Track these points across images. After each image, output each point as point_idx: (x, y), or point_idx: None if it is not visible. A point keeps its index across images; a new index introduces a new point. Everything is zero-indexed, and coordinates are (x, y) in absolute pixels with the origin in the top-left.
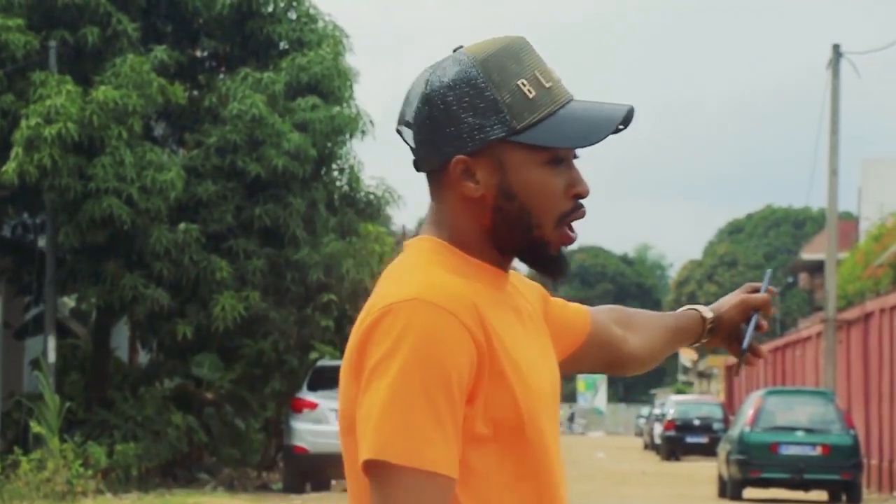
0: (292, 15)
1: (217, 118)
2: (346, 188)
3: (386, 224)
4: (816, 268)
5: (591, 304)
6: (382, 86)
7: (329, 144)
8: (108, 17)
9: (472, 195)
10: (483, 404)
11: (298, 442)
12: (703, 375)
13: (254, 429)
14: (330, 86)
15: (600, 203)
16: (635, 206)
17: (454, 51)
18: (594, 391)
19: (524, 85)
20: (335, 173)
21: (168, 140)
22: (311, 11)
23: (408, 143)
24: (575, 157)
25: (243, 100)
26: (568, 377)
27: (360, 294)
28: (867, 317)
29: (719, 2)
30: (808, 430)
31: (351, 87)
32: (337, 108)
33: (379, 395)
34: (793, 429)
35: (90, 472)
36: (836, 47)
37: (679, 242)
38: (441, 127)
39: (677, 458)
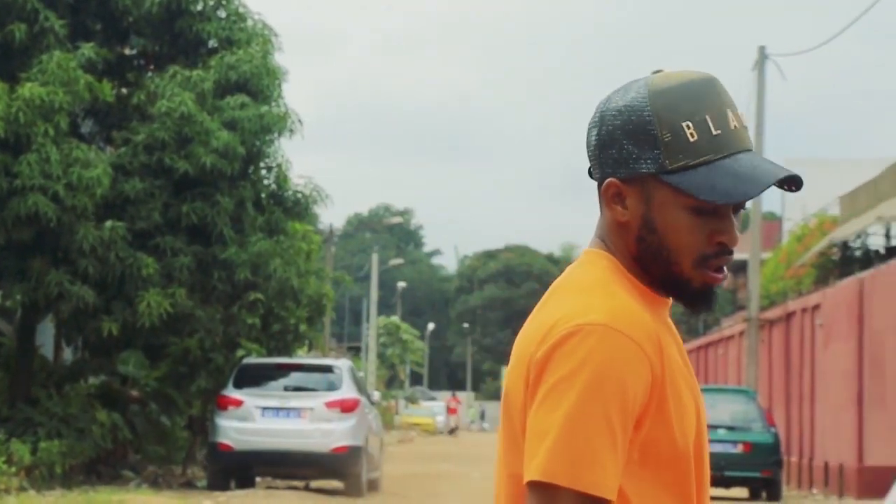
0: (222, 13)
1: (145, 116)
2: (273, 187)
3: (313, 223)
4: (740, 268)
5: (516, 304)
6: (311, 85)
7: (257, 143)
8: (36, 13)
9: (620, 219)
10: (646, 432)
11: (223, 439)
12: None
13: (179, 426)
14: (259, 84)
15: (525, 202)
16: (560, 204)
17: (652, 73)
18: None
19: (688, 127)
20: (263, 172)
21: (95, 137)
22: (241, 10)
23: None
24: (736, 210)
25: (172, 98)
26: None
27: (286, 293)
28: (789, 316)
29: (645, 4)
30: (730, 428)
31: (280, 85)
32: (266, 107)
33: (558, 415)
34: (715, 427)
35: (14, 470)
36: (761, 49)
37: None
38: (605, 147)
39: None
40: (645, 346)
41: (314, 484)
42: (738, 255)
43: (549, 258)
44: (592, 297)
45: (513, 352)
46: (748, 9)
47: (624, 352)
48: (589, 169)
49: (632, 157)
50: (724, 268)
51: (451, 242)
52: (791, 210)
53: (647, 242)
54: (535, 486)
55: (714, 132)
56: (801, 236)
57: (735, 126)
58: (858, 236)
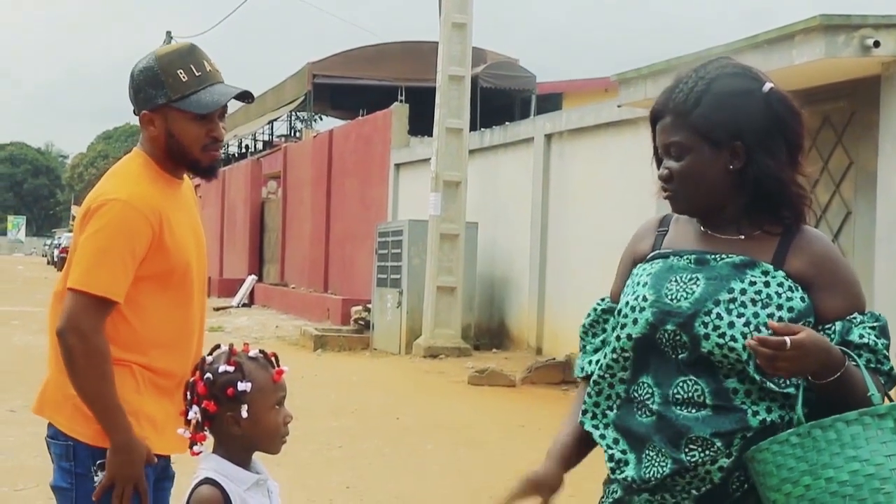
0: None
1: None
2: None
3: None
4: None
5: (20, 185)
6: None
7: None
8: None
9: (152, 134)
10: (149, 259)
11: None
12: None
13: None
14: None
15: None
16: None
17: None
18: (17, 228)
19: (181, 73)
20: None
21: None
22: None
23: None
24: (221, 115)
25: None
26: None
27: None
28: None
29: None
30: None
31: None
32: None
33: (89, 250)
34: None
35: None
36: (168, 33)
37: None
38: (137, 92)
39: None
40: (147, 214)
41: None
42: None
43: (38, 150)
44: (121, 181)
45: (80, 210)
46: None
47: (131, 216)
48: (133, 109)
49: (151, 97)
50: (217, 149)
51: None
52: None
53: (170, 144)
54: (70, 291)
55: (196, 73)
56: None
57: (210, 69)
58: (223, 146)
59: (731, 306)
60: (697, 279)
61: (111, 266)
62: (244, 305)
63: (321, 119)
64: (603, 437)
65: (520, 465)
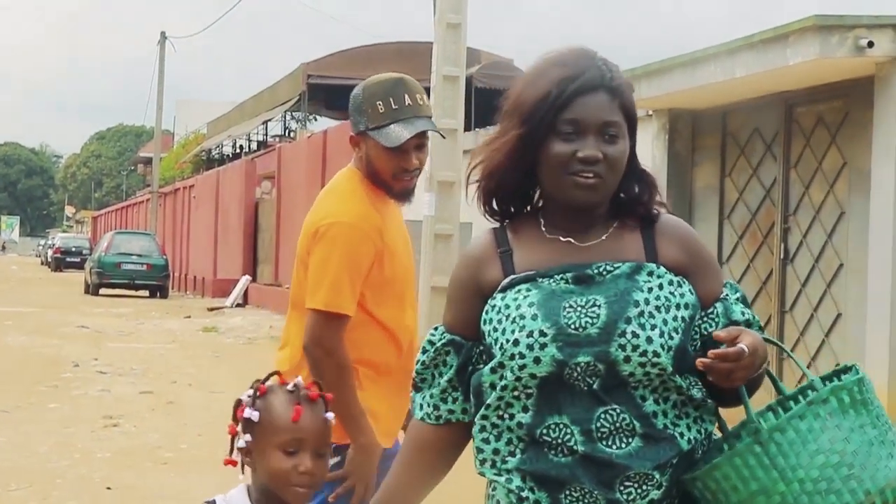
0: None
1: None
2: None
3: None
4: (148, 161)
5: (11, 177)
6: None
7: None
8: None
9: (358, 154)
10: (375, 271)
11: None
12: (78, 222)
13: None
14: None
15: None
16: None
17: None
18: (11, 228)
19: (380, 104)
20: None
21: None
22: None
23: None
24: (418, 146)
25: None
26: None
27: None
28: (176, 191)
29: None
30: (139, 255)
31: None
32: None
33: (325, 271)
34: (130, 254)
35: None
36: (163, 34)
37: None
38: (350, 115)
39: (61, 270)
40: (370, 232)
41: None
42: (147, 154)
43: (32, 150)
44: (343, 201)
45: (303, 227)
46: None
47: (358, 236)
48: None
49: (356, 122)
50: (410, 179)
51: None
52: (180, 128)
53: (368, 167)
54: (312, 311)
55: (394, 106)
56: (185, 144)
57: (410, 103)
58: (217, 146)
59: (642, 320)
60: (595, 300)
61: (343, 286)
62: (238, 306)
63: (316, 119)
64: (509, 481)
65: None
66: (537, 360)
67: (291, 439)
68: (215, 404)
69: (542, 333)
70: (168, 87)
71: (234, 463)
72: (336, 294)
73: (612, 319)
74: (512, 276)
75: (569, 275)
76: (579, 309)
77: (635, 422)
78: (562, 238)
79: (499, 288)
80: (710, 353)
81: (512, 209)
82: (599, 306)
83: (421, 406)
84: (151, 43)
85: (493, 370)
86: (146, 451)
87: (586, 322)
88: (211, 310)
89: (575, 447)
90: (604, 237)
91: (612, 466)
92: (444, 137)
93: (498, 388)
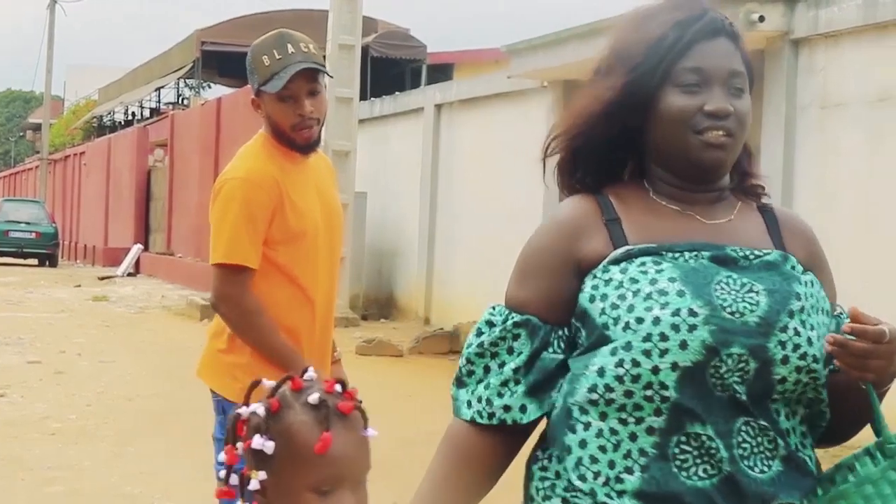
0: None
1: None
2: None
3: None
4: (38, 127)
5: None
6: None
7: None
8: None
9: (261, 116)
10: (275, 225)
11: None
12: None
13: None
14: None
15: None
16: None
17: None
18: None
19: (265, 59)
20: None
21: None
22: None
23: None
24: (311, 92)
25: None
26: None
27: None
28: (66, 158)
29: None
30: (28, 223)
31: None
32: None
33: (222, 226)
34: (19, 222)
35: None
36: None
37: None
38: (249, 80)
39: None
40: (262, 183)
41: None
42: (37, 119)
43: None
44: (241, 160)
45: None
46: None
47: (251, 188)
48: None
49: (252, 84)
50: (308, 127)
51: None
52: (70, 94)
53: (271, 123)
54: (214, 266)
55: (277, 57)
56: (76, 111)
57: (292, 51)
58: (109, 113)
59: (804, 317)
60: (752, 286)
61: (241, 238)
62: (130, 275)
63: (210, 87)
64: None
65: (407, 434)
66: (683, 345)
67: (325, 477)
68: (105, 374)
69: (692, 313)
70: (59, 52)
71: (230, 495)
72: (235, 246)
73: (773, 310)
74: (628, 247)
75: (705, 253)
76: (734, 292)
77: (778, 440)
78: (682, 211)
79: (608, 260)
80: (846, 326)
81: (587, 180)
82: (758, 293)
83: (469, 403)
84: (41, 6)
85: (613, 353)
86: (33, 422)
87: (744, 307)
88: (102, 279)
89: (722, 466)
90: (731, 216)
91: (760, 495)
92: (331, 77)
93: (627, 380)
